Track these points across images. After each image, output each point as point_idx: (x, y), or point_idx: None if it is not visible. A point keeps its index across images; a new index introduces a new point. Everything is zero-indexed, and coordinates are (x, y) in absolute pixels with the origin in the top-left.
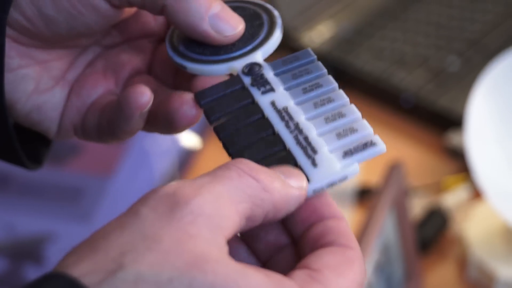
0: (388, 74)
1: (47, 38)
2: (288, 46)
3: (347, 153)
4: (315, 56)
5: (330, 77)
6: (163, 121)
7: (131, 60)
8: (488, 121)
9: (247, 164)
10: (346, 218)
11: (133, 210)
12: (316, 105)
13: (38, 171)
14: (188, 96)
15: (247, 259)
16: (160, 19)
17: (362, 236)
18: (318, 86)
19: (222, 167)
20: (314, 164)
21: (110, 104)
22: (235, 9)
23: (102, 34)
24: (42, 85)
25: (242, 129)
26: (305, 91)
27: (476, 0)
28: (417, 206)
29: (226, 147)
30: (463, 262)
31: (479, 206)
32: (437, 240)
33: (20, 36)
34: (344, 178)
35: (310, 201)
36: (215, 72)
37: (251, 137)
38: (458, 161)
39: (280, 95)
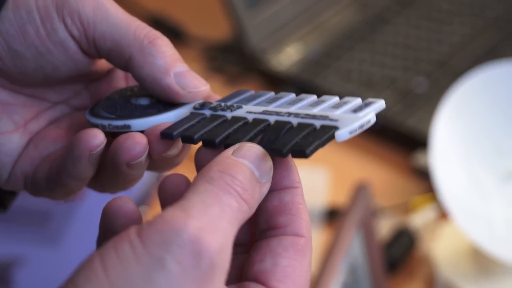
0: (356, 95)
1: (14, 77)
2: (257, 69)
3: (357, 110)
4: (252, 90)
5: (284, 92)
6: (108, 167)
7: None
8: (452, 141)
9: (241, 184)
10: (315, 238)
11: (157, 258)
12: (292, 104)
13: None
14: (134, 134)
15: None
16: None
17: (328, 256)
18: (279, 97)
19: (223, 188)
20: (333, 120)
21: (62, 153)
22: None
23: (72, 92)
24: (1, 127)
25: (235, 133)
26: (270, 102)
27: (443, 22)
28: (385, 226)
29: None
30: (431, 282)
31: (446, 226)
32: (405, 260)
33: None
34: (368, 122)
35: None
36: (163, 121)
37: (249, 133)
38: (426, 181)
39: (250, 107)
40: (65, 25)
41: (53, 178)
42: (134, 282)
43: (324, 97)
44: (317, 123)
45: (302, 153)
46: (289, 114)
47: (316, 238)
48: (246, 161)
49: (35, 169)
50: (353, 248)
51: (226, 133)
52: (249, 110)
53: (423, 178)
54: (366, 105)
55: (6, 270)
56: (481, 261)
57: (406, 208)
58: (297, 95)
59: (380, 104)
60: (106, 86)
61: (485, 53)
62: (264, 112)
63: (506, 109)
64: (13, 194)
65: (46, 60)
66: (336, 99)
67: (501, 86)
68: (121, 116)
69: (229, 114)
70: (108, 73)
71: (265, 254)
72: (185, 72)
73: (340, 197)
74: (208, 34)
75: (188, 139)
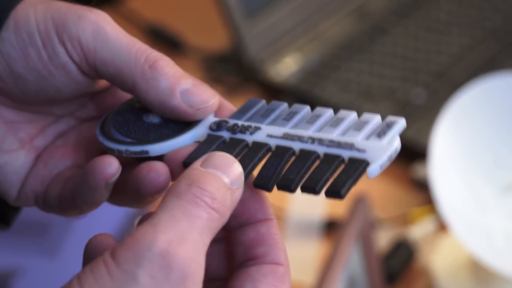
0: (354, 106)
1: (16, 98)
2: (256, 79)
3: (381, 134)
4: (263, 99)
5: (297, 104)
6: (130, 192)
7: None
8: (451, 153)
9: (210, 195)
10: (314, 250)
11: (129, 273)
12: (310, 122)
13: None
14: (156, 164)
15: None
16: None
17: (327, 268)
18: (295, 113)
19: (191, 201)
20: (361, 150)
21: (75, 175)
22: None
23: (77, 105)
24: (7, 145)
25: (265, 164)
26: (287, 119)
27: (442, 33)
28: (384, 238)
29: (262, 186)
30: None
31: (445, 238)
32: (403, 272)
33: None
34: (396, 151)
35: (244, 199)
36: (180, 145)
37: (278, 166)
38: (425, 193)
39: (269, 129)
40: (66, 50)
41: (67, 201)
42: None
43: (341, 113)
44: (345, 155)
45: (337, 194)
46: (312, 140)
47: (315, 250)
48: (214, 170)
49: (46, 188)
50: (351, 260)
51: (251, 165)
52: (269, 133)
53: (422, 189)
54: (388, 126)
55: (5, 281)
56: (480, 274)
57: (405, 220)
58: (312, 108)
59: (401, 124)
60: (111, 96)
61: (484, 64)
62: (285, 137)
63: (505, 121)
64: (16, 210)
65: (48, 82)
66: (354, 116)
67: (500, 97)
68: (137, 141)
69: (249, 138)
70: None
71: (244, 281)
72: (191, 89)
73: (339, 209)
74: (207, 44)
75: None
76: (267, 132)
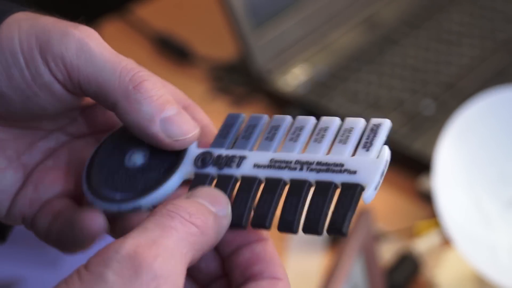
0: (363, 117)
1: (1, 115)
2: (263, 90)
3: (367, 144)
4: (242, 113)
5: (277, 116)
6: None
7: None
8: (456, 166)
9: (186, 209)
10: (318, 263)
11: (98, 274)
12: (294, 139)
13: None
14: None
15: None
16: None
17: (328, 281)
18: (276, 128)
19: (166, 215)
20: (352, 172)
21: (64, 213)
22: None
23: (67, 119)
24: None
25: (258, 202)
26: (270, 138)
27: (452, 44)
28: (389, 251)
29: (260, 225)
30: None
31: (451, 251)
32: (408, 286)
33: None
34: (387, 163)
35: None
36: (171, 189)
37: (272, 202)
38: (431, 206)
39: (254, 156)
40: (50, 69)
41: (53, 239)
42: None
43: (324, 121)
44: (336, 179)
45: (339, 232)
46: (301, 164)
47: (319, 263)
48: (197, 198)
49: (35, 213)
50: (354, 273)
51: (248, 207)
52: (256, 163)
53: (428, 202)
54: (373, 131)
55: None
56: None
57: (411, 233)
58: (300, 114)
59: (387, 126)
60: (102, 110)
61: (494, 76)
62: (272, 164)
63: (511, 135)
64: (11, 227)
65: (34, 102)
66: (337, 123)
67: (506, 111)
68: (126, 195)
69: (237, 172)
70: None
71: None
72: (172, 117)
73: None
74: (215, 54)
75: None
76: (254, 162)
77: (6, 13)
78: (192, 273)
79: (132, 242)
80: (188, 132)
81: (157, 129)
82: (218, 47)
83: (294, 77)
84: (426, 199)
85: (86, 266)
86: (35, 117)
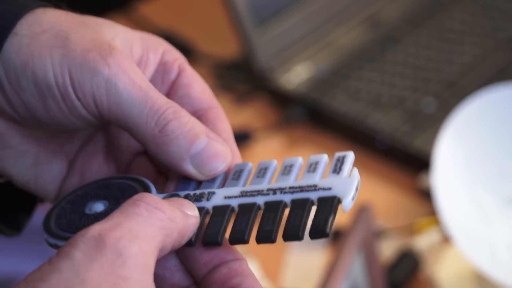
0: (364, 115)
1: (42, 129)
2: (265, 87)
3: (336, 170)
4: None
5: (238, 163)
6: None
7: (131, 142)
8: (455, 163)
9: (150, 197)
10: (319, 259)
11: (65, 253)
12: (260, 176)
13: None
14: None
15: None
16: None
17: (328, 277)
18: (240, 171)
19: (130, 203)
20: (327, 189)
21: None
22: (107, 186)
23: None
24: (41, 159)
25: (234, 221)
26: (236, 178)
27: (453, 42)
28: (389, 248)
29: (239, 240)
30: None
31: (450, 248)
32: (408, 283)
33: (18, 121)
34: (358, 181)
35: (212, 249)
36: None
37: (248, 220)
38: (431, 203)
39: (223, 191)
40: (82, 104)
41: None
42: (45, 278)
43: (287, 160)
44: (312, 196)
45: (322, 233)
46: (273, 191)
47: (320, 260)
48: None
49: None
50: (353, 269)
51: (223, 228)
52: (226, 195)
53: (428, 199)
54: (339, 161)
55: (6, 287)
56: (484, 286)
57: (411, 230)
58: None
59: (351, 157)
60: None
61: (496, 74)
62: (244, 194)
63: (510, 132)
64: (28, 215)
65: (70, 127)
66: (300, 161)
67: (505, 108)
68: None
69: (208, 205)
70: None
71: None
72: (202, 152)
73: (345, 218)
74: (217, 52)
75: (189, 244)
76: (224, 194)
77: (25, 7)
78: (157, 284)
79: (97, 227)
80: (218, 167)
81: (187, 167)
82: (221, 44)
83: (296, 75)
84: (426, 196)
85: (56, 252)
86: (73, 132)
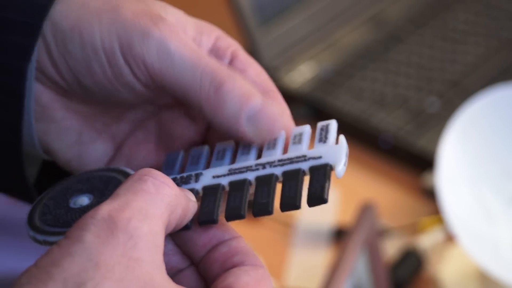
0: (367, 114)
1: (87, 101)
2: None
3: (322, 139)
4: (181, 150)
5: (220, 143)
6: None
7: (185, 131)
8: (459, 163)
9: (156, 171)
10: (323, 258)
11: (75, 236)
12: (246, 153)
13: (11, 209)
14: None
15: None
16: None
17: (332, 276)
18: (223, 150)
19: (136, 179)
20: (317, 158)
21: None
22: (88, 179)
23: (154, 95)
24: (84, 137)
25: (228, 199)
26: (220, 158)
27: (457, 42)
28: (393, 247)
29: (235, 215)
30: None
31: (454, 247)
32: (412, 282)
33: (63, 92)
34: (346, 149)
35: (207, 227)
36: None
37: (242, 196)
38: (435, 202)
39: (210, 171)
40: (131, 70)
41: None
42: (57, 262)
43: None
44: (303, 166)
45: (320, 199)
46: (262, 165)
47: (324, 258)
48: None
49: None
50: (357, 268)
51: (216, 206)
52: (215, 174)
53: (432, 199)
54: (323, 130)
55: (7, 285)
56: (488, 284)
57: (415, 229)
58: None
59: (334, 124)
60: None
61: (499, 74)
62: (232, 172)
63: None
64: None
65: (116, 96)
66: (283, 134)
67: (509, 108)
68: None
69: (197, 186)
70: None
71: (226, 277)
72: (258, 113)
73: (349, 217)
74: None
75: (185, 227)
76: (212, 174)
77: None
78: None
79: (106, 207)
80: (275, 125)
81: (243, 129)
82: None
83: (300, 74)
84: (430, 195)
85: (65, 235)
86: (120, 105)
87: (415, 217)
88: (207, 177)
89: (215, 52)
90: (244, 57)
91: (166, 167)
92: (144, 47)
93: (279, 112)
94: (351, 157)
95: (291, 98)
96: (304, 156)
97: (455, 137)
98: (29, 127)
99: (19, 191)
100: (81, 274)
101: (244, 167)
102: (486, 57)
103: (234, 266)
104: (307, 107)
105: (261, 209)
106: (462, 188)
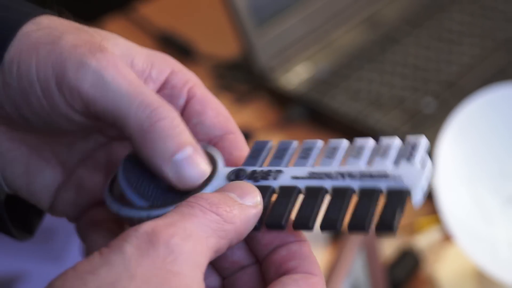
0: (364, 115)
1: (31, 131)
2: (265, 87)
3: (410, 157)
4: (271, 140)
5: (308, 140)
6: None
7: None
8: (456, 162)
9: (206, 200)
10: (320, 258)
11: (117, 247)
12: (330, 157)
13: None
14: None
15: (208, 274)
16: None
17: (330, 276)
18: (309, 149)
19: (186, 205)
20: (397, 178)
21: (104, 225)
22: None
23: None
24: (32, 167)
25: (300, 206)
26: (304, 157)
27: (453, 43)
28: (390, 247)
29: (303, 225)
30: None
31: (451, 247)
32: (409, 281)
33: (8, 122)
34: (431, 172)
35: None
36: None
37: (314, 206)
38: (431, 202)
39: (291, 170)
40: (66, 101)
41: None
42: (94, 271)
43: (358, 141)
44: (382, 185)
45: (388, 228)
46: (342, 175)
47: (321, 258)
48: (225, 191)
49: (77, 215)
50: (355, 268)
51: (288, 210)
52: (294, 175)
53: (428, 199)
54: (412, 147)
55: (10, 286)
56: (485, 284)
57: (411, 229)
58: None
59: (425, 143)
60: None
61: (495, 74)
62: (312, 176)
63: (510, 131)
64: (39, 219)
65: (58, 126)
66: (372, 142)
67: (506, 107)
68: (158, 204)
69: (274, 184)
70: None
71: (274, 285)
72: (185, 160)
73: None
74: (217, 52)
75: (254, 228)
76: (291, 174)
77: (28, 15)
78: (216, 260)
79: (151, 223)
80: (197, 178)
81: (167, 170)
82: (221, 45)
83: (297, 75)
84: (427, 196)
85: (107, 244)
86: (65, 134)
87: (412, 217)
88: (286, 177)
89: (170, 90)
90: (202, 95)
91: (250, 156)
92: (78, 78)
93: (204, 168)
94: None
95: (287, 99)
96: (385, 173)
97: (452, 137)
98: None
99: None
100: (115, 284)
101: (324, 173)
102: (482, 57)
103: (288, 271)
104: (303, 108)
105: (329, 224)
106: (459, 188)
